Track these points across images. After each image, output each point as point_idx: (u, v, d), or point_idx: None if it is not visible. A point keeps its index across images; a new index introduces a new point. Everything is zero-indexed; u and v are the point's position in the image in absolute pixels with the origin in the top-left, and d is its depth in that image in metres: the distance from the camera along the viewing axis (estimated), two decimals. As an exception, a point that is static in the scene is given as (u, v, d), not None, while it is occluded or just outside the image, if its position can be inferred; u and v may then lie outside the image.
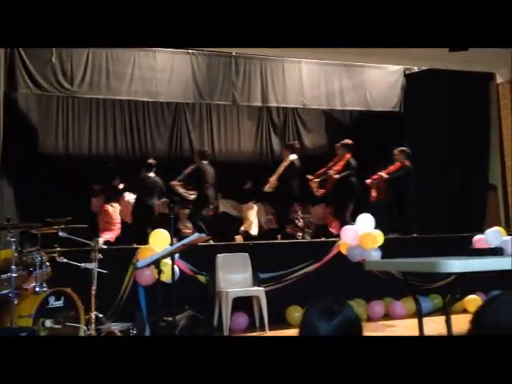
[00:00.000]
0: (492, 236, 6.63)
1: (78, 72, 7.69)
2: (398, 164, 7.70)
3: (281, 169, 7.63)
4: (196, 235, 3.22)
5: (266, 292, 6.00)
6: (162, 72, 8.12)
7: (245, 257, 6.24)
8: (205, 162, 7.41)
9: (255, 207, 8.29)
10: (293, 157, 7.60)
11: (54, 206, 6.12)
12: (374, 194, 7.69)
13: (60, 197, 6.85)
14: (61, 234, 4.73)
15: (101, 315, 4.94)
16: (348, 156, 7.55)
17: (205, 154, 7.53)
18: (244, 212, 8.27)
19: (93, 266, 4.86)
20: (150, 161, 7.15)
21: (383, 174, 7.68)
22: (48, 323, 4.15)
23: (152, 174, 7.04)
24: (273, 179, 7.58)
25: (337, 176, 7.44)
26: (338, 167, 7.55)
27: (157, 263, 3.30)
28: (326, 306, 1.55)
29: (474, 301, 6.43)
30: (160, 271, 3.30)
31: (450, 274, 5.17)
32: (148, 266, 3.73)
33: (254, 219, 8.19)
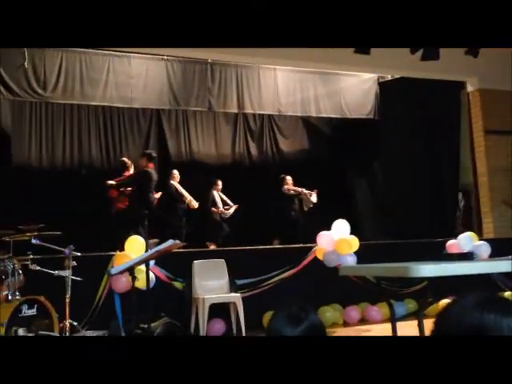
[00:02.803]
0: (464, 241, 6.78)
1: (52, 77, 7.59)
2: (130, 171, 7.11)
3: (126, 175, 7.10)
4: (170, 242, 3.20)
5: (243, 298, 6.00)
6: (136, 78, 8.09)
7: (221, 263, 6.23)
8: None
9: None
10: (149, 166, 6.91)
11: (28, 213, 6.02)
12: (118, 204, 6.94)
13: (33, 203, 6.74)
14: (34, 241, 4.66)
15: (75, 323, 4.87)
16: (149, 166, 6.86)
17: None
18: None
19: (66, 273, 4.80)
20: (152, 152, 7.14)
21: (111, 182, 6.88)
22: (21, 332, 4.07)
23: (152, 166, 6.94)
24: (110, 182, 6.94)
25: (111, 183, 6.80)
26: (122, 177, 6.99)
27: (131, 270, 3.28)
28: (292, 313, 1.58)
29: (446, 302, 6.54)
30: (134, 278, 3.27)
31: (423, 279, 5.27)
32: (121, 272, 3.69)
33: None
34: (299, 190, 8.38)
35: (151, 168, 6.91)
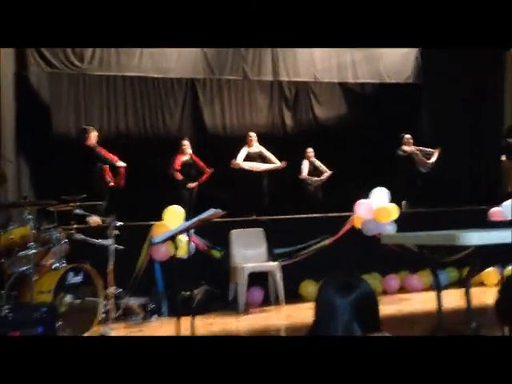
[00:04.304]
0: (509, 208, 6.56)
1: (88, 49, 7.61)
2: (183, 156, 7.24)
3: None
4: (212, 210, 3.19)
5: (281, 267, 6.02)
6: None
7: (259, 232, 6.25)
8: None
9: None
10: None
11: (70, 184, 6.14)
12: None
13: (75, 174, 6.85)
14: (77, 211, 4.76)
15: (119, 290, 4.99)
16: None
17: None
18: None
19: (109, 242, 4.90)
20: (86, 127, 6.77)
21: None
22: (68, 298, 4.20)
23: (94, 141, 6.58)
24: None
25: None
26: None
27: (173, 239, 3.31)
28: (343, 282, 1.55)
29: (491, 274, 6.40)
30: (177, 247, 3.30)
31: (466, 247, 5.13)
32: (164, 241, 3.73)
33: None
34: (420, 149, 7.86)
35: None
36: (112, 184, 6.58)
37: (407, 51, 8.92)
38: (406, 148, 7.92)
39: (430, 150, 7.99)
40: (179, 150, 7.39)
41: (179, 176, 7.26)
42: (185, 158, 7.39)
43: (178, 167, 7.29)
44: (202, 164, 7.41)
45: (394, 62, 8.88)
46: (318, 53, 8.64)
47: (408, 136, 7.96)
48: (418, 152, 7.92)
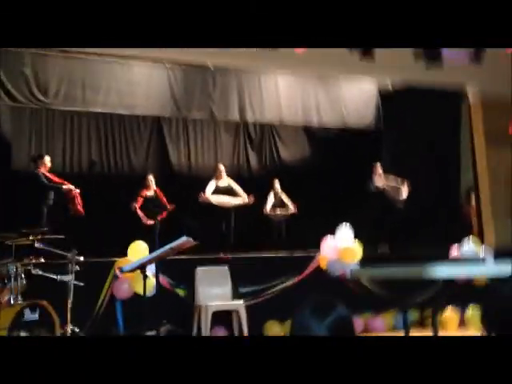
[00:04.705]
0: (468, 248, 6.76)
1: (53, 83, 7.53)
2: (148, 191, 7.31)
3: None
4: (183, 238, 3.13)
5: (246, 306, 5.92)
6: (138, 85, 8.04)
7: (224, 270, 6.16)
8: None
9: None
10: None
11: (30, 217, 5.94)
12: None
13: (35, 207, 6.63)
14: (37, 245, 4.59)
15: (77, 329, 4.77)
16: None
17: None
18: None
19: (69, 278, 4.71)
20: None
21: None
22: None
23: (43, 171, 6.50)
24: None
25: None
26: None
27: (143, 268, 3.21)
28: (318, 306, 1.53)
29: (451, 317, 6.50)
30: (146, 276, 3.20)
31: (428, 288, 5.19)
32: (134, 270, 3.60)
33: None
34: (393, 180, 7.84)
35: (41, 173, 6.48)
36: (72, 213, 6.43)
37: (369, 98, 9.26)
38: (377, 184, 8.02)
39: (400, 180, 8.08)
40: (144, 185, 7.33)
41: (140, 212, 7.17)
42: (148, 193, 7.33)
43: (140, 203, 7.22)
44: (164, 200, 7.35)
45: (356, 108, 9.18)
46: (284, 95, 8.85)
47: (378, 166, 8.07)
48: (388, 188, 8.01)
